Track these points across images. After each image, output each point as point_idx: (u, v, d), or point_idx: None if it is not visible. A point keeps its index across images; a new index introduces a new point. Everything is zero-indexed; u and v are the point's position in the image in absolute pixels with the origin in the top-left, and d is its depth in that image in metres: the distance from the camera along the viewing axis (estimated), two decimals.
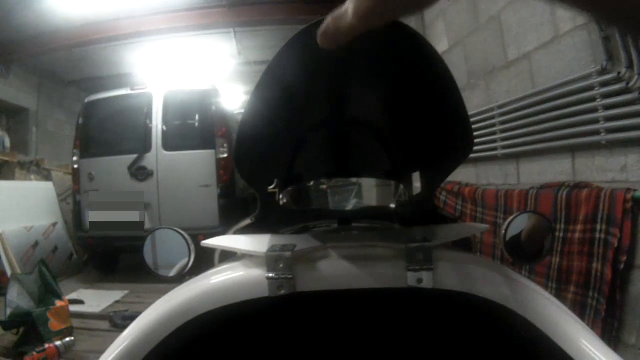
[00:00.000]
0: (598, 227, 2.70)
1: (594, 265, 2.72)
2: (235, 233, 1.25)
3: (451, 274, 0.90)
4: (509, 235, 1.24)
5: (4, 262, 6.08)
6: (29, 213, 7.11)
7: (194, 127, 7.16)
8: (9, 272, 5.92)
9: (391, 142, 1.23)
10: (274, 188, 1.30)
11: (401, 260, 0.89)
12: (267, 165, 1.21)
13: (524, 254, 1.27)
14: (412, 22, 5.27)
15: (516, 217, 1.26)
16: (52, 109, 10.50)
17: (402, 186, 1.32)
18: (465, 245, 1.32)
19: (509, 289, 0.90)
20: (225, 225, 6.28)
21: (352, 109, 1.10)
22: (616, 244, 2.58)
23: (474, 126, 4.13)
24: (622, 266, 2.57)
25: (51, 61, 9.13)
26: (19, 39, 7.80)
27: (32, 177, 8.20)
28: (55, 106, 10.60)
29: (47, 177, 8.42)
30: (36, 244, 6.89)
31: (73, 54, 8.74)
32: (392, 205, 1.39)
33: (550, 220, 1.31)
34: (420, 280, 0.88)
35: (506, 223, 1.24)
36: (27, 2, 6.78)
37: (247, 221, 1.26)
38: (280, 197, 1.34)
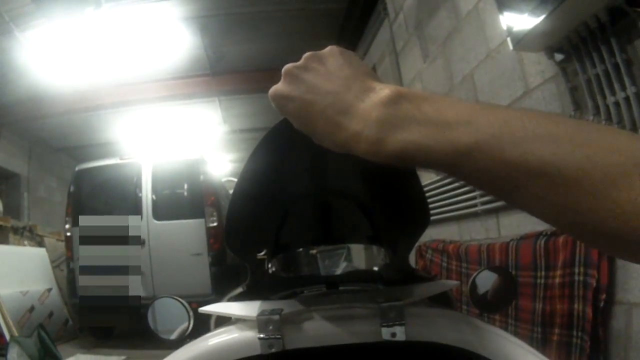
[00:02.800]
0: (576, 270, 2.78)
1: (575, 306, 2.80)
2: (228, 301, 1.37)
3: (421, 327, 1.03)
4: (476, 289, 1.38)
5: (2, 324, 6.10)
6: (24, 278, 7.14)
7: (183, 197, 7.33)
8: (6, 334, 5.94)
9: (371, 210, 1.36)
10: (262, 255, 1.41)
11: (376, 318, 1.02)
12: (255, 237, 1.32)
13: (490, 304, 1.40)
14: (391, 84, 5.44)
15: (480, 272, 1.40)
16: (42, 175, 10.57)
17: (384, 250, 1.43)
18: (444, 300, 1.44)
19: (473, 335, 1.03)
20: (218, 292, 6.36)
21: (332, 179, 1.23)
22: (595, 284, 2.65)
23: (453, 185, 4.37)
24: (602, 304, 2.65)
25: (41, 127, 9.25)
26: (10, 102, 7.96)
27: (26, 242, 8.25)
28: (45, 172, 10.68)
29: (40, 243, 8.45)
30: (32, 308, 6.92)
31: (62, 121, 8.88)
32: (376, 268, 1.49)
33: (510, 273, 1.45)
34: (393, 335, 1.00)
35: (471, 279, 1.38)
36: (19, 68, 6.98)
37: (239, 289, 1.38)
38: (270, 265, 1.44)
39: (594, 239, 0.52)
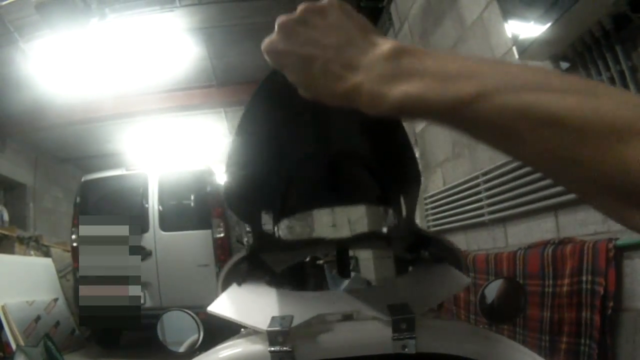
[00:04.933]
0: (584, 278, 2.77)
1: (583, 313, 2.78)
2: (231, 267, 1.35)
3: (431, 339, 1.03)
4: (485, 299, 1.38)
5: (7, 334, 6.10)
6: (30, 288, 7.15)
7: (190, 208, 7.33)
8: (12, 344, 5.94)
9: (377, 169, 1.33)
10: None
11: (387, 330, 1.02)
12: (259, 199, 1.27)
13: (499, 315, 1.40)
14: None
15: (489, 283, 1.39)
16: (48, 186, 10.58)
17: (391, 211, 1.39)
18: (451, 259, 1.38)
19: (483, 345, 1.03)
20: None
21: (336, 139, 1.20)
22: (602, 292, 2.64)
23: (460, 194, 4.40)
24: (609, 311, 2.64)
25: (47, 138, 9.25)
26: (15, 113, 7.97)
27: (32, 252, 8.25)
28: (51, 183, 10.68)
29: (46, 253, 8.45)
30: (38, 318, 6.91)
31: (68, 131, 8.88)
32: (384, 230, 1.45)
33: (520, 285, 1.44)
34: (404, 347, 1.00)
35: (480, 290, 1.38)
36: (24, 78, 7.00)
37: (242, 254, 1.35)
38: (276, 229, 1.41)
39: (596, 197, 0.50)
